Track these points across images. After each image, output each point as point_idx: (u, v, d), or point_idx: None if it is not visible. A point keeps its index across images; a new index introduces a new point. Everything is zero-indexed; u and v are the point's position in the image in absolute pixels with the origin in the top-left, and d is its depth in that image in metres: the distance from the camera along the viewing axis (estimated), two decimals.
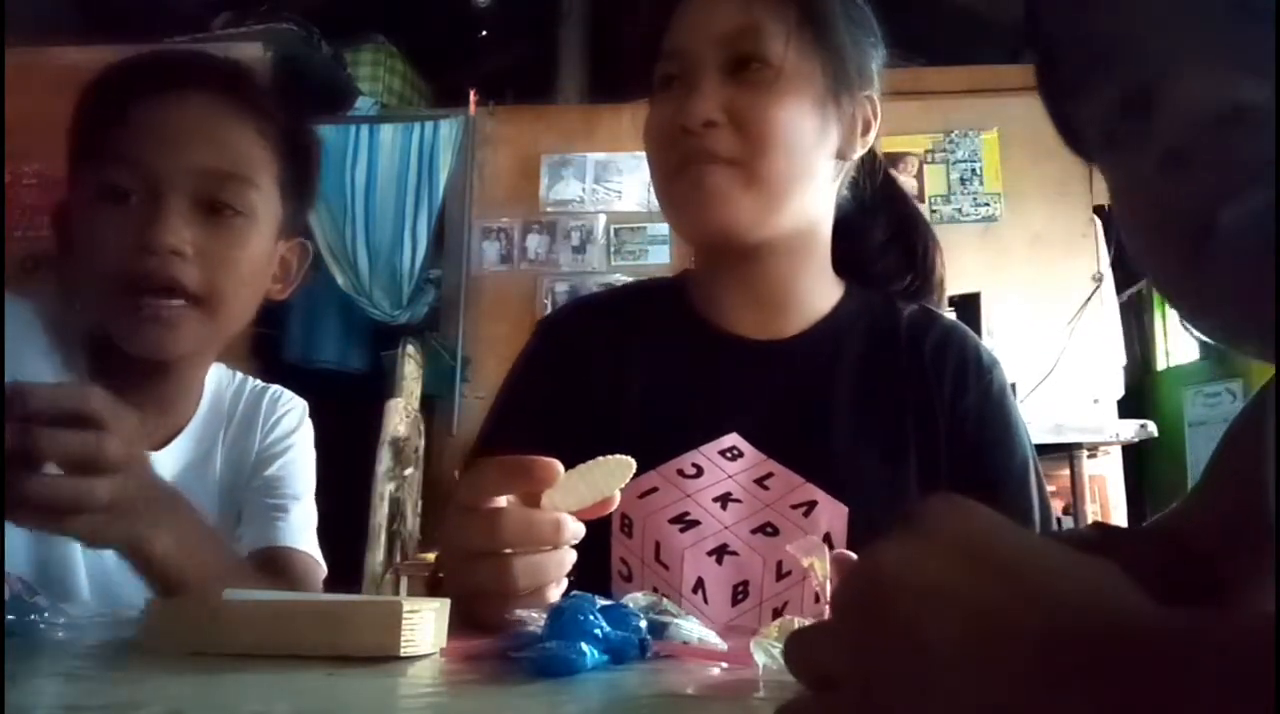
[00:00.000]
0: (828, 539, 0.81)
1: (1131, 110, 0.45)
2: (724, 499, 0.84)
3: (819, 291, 0.92)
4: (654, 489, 0.84)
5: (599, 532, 0.81)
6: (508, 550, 0.61)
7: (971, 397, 0.88)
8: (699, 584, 0.82)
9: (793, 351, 0.89)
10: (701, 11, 0.86)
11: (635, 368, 0.90)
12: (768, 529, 0.83)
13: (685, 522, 0.83)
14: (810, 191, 0.86)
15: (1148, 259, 0.47)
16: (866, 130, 0.90)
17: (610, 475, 0.64)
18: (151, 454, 0.94)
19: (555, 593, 0.63)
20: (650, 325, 0.93)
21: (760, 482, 0.85)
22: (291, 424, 1.06)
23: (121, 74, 0.91)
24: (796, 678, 0.32)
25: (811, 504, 0.83)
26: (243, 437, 1.02)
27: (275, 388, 1.08)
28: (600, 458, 0.64)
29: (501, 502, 0.62)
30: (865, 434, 0.86)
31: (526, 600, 0.60)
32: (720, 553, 0.83)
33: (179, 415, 0.97)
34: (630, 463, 0.64)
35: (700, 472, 0.85)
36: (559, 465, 0.61)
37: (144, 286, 0.85)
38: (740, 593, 0.82)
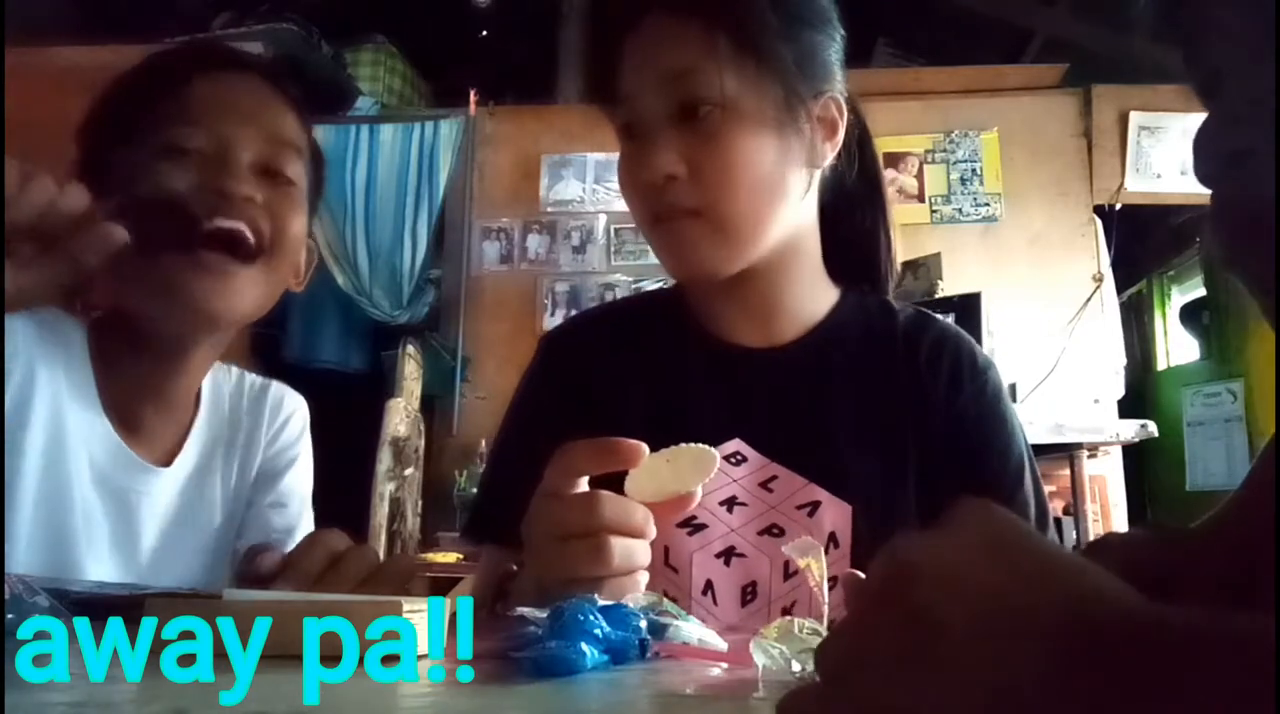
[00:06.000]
0: (832, 537, 0.83)
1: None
2: (730, 502, 0.85)
3: (812, 297, 0.93)
4: None
5: None
6: (603, 532, 0.61)
7: (966, 396, 0.89)
8: (708, 586, 0.83)
9: (790, 358, 0.90)
10: (641, 52, 0.84)
11: (638, 379, 0.91)
12: (774, 530, 0.84)
13: (692, 525, 0.84)
14: (782, 211, 0.85)
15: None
16: (834, 132, 0.88)
17: (694, 466, 0.64)
18: (159, 468, 0.94)
19: (642, 582, 0.64)
20: (651, 337, 0.94)
21: (765, 485, 0.86)
22: (297, 428, 1.06)
23: (178, 56, 0.95)
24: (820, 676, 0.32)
25: (815, 504, 0.84)
26: (248, 439, 1.02)
27: (276, 385, 1.07)
28: (685, 445, 0.64)
29: (584, 486, 0.64)
30: (865, 435, 0.87)
31: (615, 586, 0.61)
32: (728, 555, 0.84)
33: (183, 413, 0.97)
34: (714, 455, 0.64)
35: None
36: (645, 447, 0.62)
37: (211, 237, 0.85)
38: (749, 594, 0.83)
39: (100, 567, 0.89)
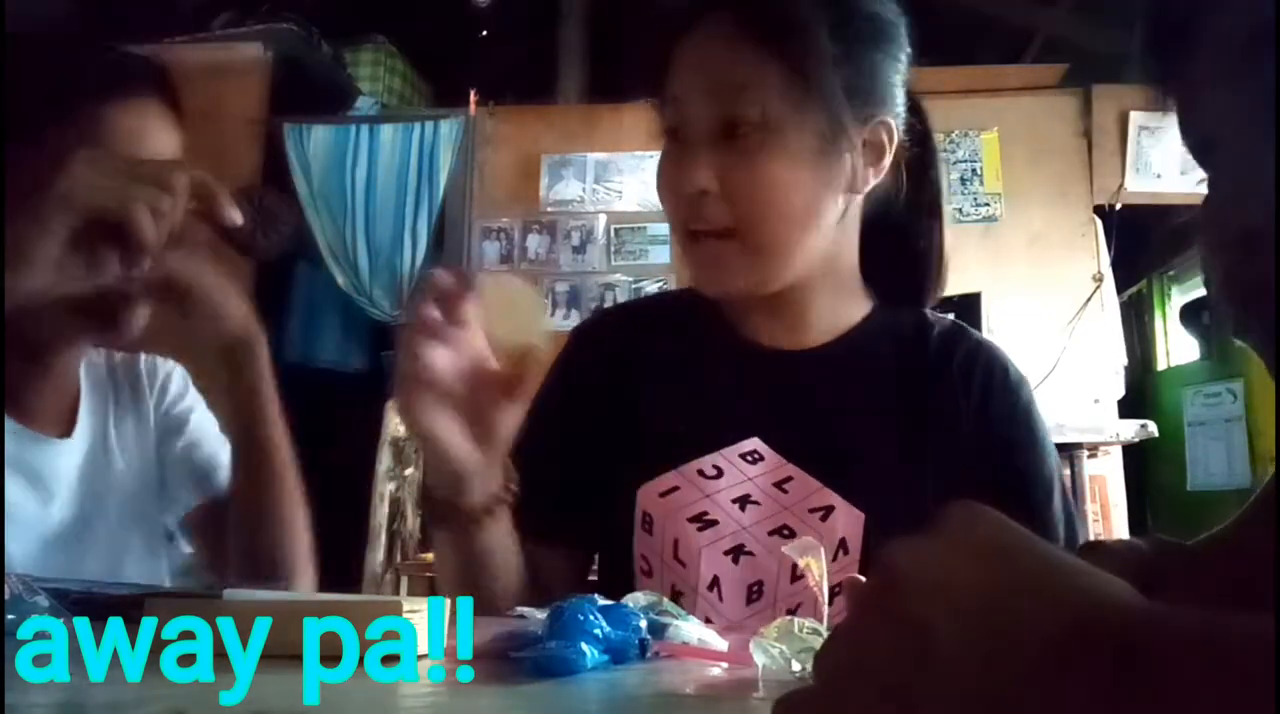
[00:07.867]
0: (843, 544, 0.82)
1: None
2: (743, 501, 0.85)
3: (843, 307, 0.92)
4: (675, 488, 0.86)
5: (623, 530, 0.86)
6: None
7: (998, 410, 0.88)
8: (715, 582, 0.83)
9: (815, 362, 0.90)
10: (695, 58, 0.84)
11: (661, 372, 0.92)
12: (785, 531, 0.84)
13: (704, 521, 0.84)
14: (816, 236, 0.85)
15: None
16: (880, 156, 0.86)
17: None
18: (61, 440, 0.94)
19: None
20: (677, 332, 0.95)
21: (779, 485, 0.86)
22: (180, 384, 1.06)
23: (87, 78, 0.91)
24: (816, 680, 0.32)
25: (829, 509, 0.84)
26: (133, 406, 1.01)
27: (142, 355, 1.06)
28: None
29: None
30: (885, 443, 0.87)
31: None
32: (737, 553, 0.84)
33: (68, 384, 0.97)
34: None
35: (720, 473, 0.86)
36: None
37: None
38: (755, 593, 0.83)
39: (27, 546, 0.87)
